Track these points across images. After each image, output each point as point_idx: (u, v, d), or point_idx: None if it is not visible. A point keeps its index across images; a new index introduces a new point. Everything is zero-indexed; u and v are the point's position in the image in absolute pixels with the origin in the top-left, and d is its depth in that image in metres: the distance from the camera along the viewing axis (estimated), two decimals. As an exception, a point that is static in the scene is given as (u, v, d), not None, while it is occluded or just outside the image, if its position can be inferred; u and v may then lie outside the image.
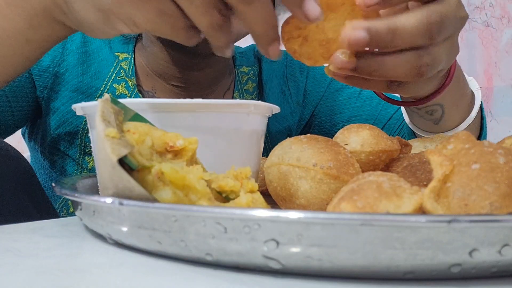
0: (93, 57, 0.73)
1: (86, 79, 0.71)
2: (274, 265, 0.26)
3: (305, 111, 0.84)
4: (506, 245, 0.24)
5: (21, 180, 0.51)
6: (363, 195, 0.26)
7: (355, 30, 0.35)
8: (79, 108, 0.42)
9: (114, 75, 0.72)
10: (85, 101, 0.71)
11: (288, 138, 0.37)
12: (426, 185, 0.27)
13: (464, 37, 1.59)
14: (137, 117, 0.35)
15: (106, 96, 0.33)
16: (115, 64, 0.73)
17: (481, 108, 0.63)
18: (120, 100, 0.35)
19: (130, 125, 0.32)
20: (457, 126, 0.57)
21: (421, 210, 0.26)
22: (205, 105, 0.38)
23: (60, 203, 0.73)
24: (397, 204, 0.25)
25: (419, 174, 0.35)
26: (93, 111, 0.40)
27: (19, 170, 0.51)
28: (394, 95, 0.55)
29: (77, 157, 0.72)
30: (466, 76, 0.59)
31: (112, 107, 0.32)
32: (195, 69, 0.71)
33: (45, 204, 0.57)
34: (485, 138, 0.66)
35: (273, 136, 0.79)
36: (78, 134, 0.71)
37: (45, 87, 0.70)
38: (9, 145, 0.54)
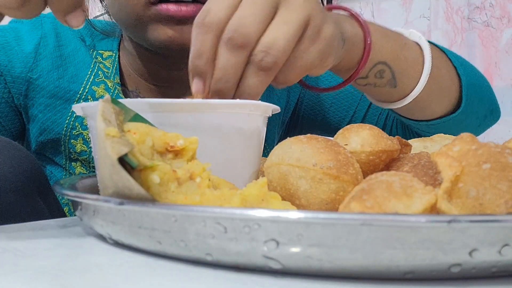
0: (69, 60, 0.70)
1: (63, 83, 0.69)
2: (274, 265, 0.26)
3: (291, 95, 0.81)
4: (506, 245, 0.24)
5: (33, 179, 0.50)
6: (372, 195, 0.26)
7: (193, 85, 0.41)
8: (79, 108, 0.42)
9: (92, 77, 0.70)
10: (63, 107, 0.70)
11: (288, 138, 0.37)
12: (440, 184, 0.27)
13: (464, 37, 1.59)
14: (137, 118, 0.35)
15: (107, 96, 0.33)
16: (92, 66, 0.70)
17: (450, 59, 0.62)
18: (120, 100, 0.35)
19: (130, 125, 0.32)
20: (417, 82, 0.56)
21: (431, 211, 0.26)
22: (205, 105, 0.38)
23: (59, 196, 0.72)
24: (406, 204, 0.25)
25: (432, 173, 0.35)
26: (93, 111, 0.40)
27: (30, 169, 0.50)
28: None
29: (63, 163, 0.71)
30: (405, 32, 0.58)
31: (113, 107, 0.32)
32: (173, 69, 0.69)
33: (55, 204, 0.56)
34: (475, 89, 0.64)
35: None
36: (60, 141, 0.69)
37: (20, 94, 0.68)
38: (18, 144, 0.53)
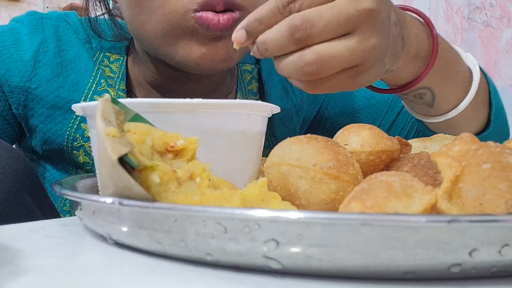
0: (69, 68, 0.67)
1: (63, 93, 0.66)
2: (274, 265, 0.26)
3: (310, 107, 0.78)
4: (506, 245, 0.24)
5: (24, 180, 0.50)
6: (372, 195, 0.26)
7: (236, 31, 0.41)
8: (79, 108, 0.42)
9: (94, 86, 0.67)
10: (63, 118, 0.67)
11: (288, 138, 0.37)
12: (440, 184, 0.27)
13: (464, 37, 1.59)
14: (137, 118, 0.35)
15: (107, 96, 0.33)
16: (94, 74, 0.67)
17: (488, 83, 0.62)
18: (120, 100, 0.35)
19: (130, 125, 0.32)
20: (455, 106, 0.57)
21: (431, 211, 0.26)
22: (205, 105, 0.38)
23: (61, 204, 0.72)
24: (406, 204, 0.25)
25: (432, 173, 0.35)
26: (93, 111, 0.40)
27: (21, 169, 0.50)
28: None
29: (70, 168, 0.69)
30: (462, 52, 0.59)
31: (113, 107, 0.32)
32: (190, 81, 0.66)
33: (48, 205, 0.56)
34: (499, 115, 0.65)
35: (279, 140, 0.72)
36: (64, 151, 0.68)
37: (18, 104, 0.66)
38: (8, 143, 0.52)
